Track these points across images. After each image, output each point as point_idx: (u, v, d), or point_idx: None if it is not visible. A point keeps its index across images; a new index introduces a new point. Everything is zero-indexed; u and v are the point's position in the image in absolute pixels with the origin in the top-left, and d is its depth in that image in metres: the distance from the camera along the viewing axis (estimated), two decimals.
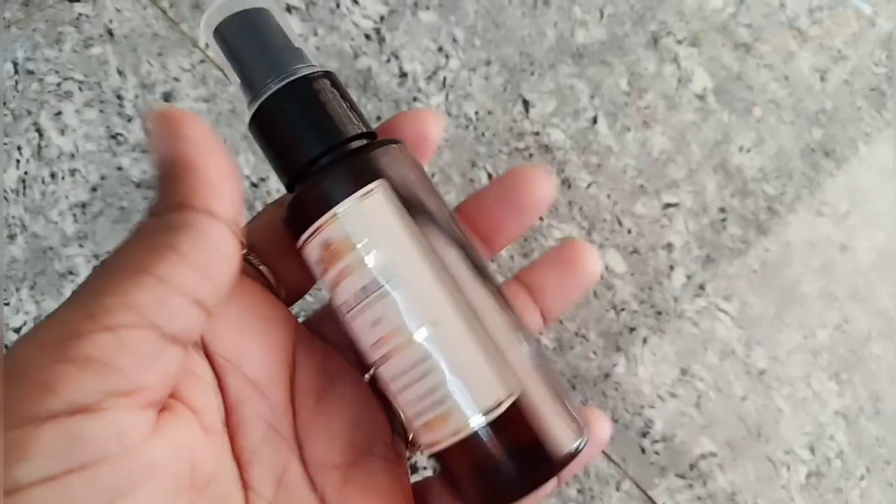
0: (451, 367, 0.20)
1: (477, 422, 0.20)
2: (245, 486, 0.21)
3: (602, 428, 0.24)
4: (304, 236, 0.22)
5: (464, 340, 0.20)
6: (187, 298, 0.17)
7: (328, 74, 0.22)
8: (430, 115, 0.25)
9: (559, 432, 0.21)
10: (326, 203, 0.21)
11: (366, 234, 0.21)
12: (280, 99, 0.21)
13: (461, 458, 0.21)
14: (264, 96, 0.22)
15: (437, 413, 0.20)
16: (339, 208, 0.21)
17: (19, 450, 0.15)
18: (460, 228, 0.23)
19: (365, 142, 0.23)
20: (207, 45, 0.52)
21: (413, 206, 0.21)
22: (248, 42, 0.22)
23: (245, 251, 0.23)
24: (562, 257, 0.26)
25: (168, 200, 0.18)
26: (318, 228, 0.21)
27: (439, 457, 0.21)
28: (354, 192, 0.21)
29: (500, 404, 0.20)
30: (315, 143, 0.22)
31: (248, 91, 0.22)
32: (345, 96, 0.23)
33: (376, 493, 0.22)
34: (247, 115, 0.22)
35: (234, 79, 0.23)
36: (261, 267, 0.23)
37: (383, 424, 0.24)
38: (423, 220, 0.21)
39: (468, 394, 0.20)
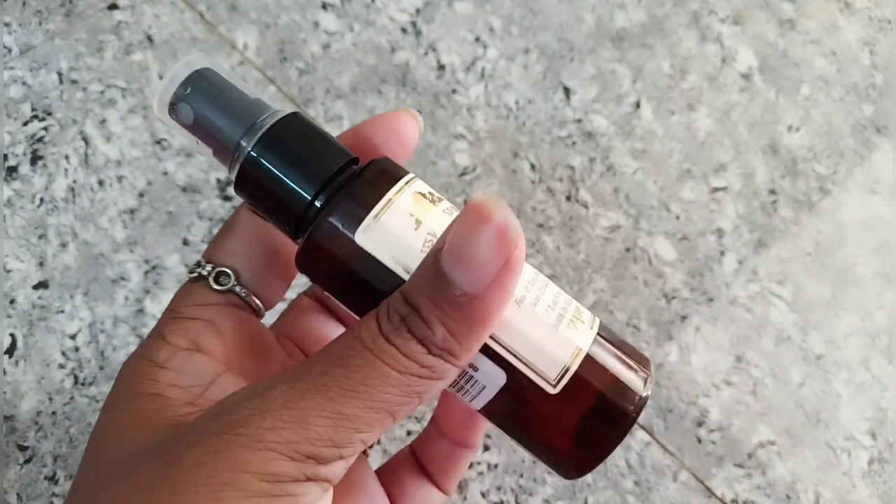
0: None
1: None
2: None
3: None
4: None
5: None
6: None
7: (294, 115, 0.22)
8: (407, 117, 0.24)
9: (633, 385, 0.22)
10: (343, 233, 0.21)
11: (393, 246, 0.21)
12: (259, 154, 0.21)
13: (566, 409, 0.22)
14: (243, 157, 0.21)
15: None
16: (359, 233, 0.21)
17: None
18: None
19: (354, 168, 0.22)
20: (246, 47, 0.52)
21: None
22: (207, 106, 0.21)
23: (234, 283, 0.23)
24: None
25: (448, 345, 0.19)
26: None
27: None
28: (367, 214, 0.21)
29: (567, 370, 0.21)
30: (310, 184, 0.21)
31: (223, 157, 0.22)
32: (316, 130, 0.22)
33: (353, 483, 0.25)
34: (230, 181, 0.23)
35: (205, 149, 0.22)
36: (251, 298, 0.24)
37: None
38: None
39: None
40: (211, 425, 0.18)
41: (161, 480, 0.18)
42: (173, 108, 0.22)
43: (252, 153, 0.21)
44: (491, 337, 0.21)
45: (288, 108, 0.22)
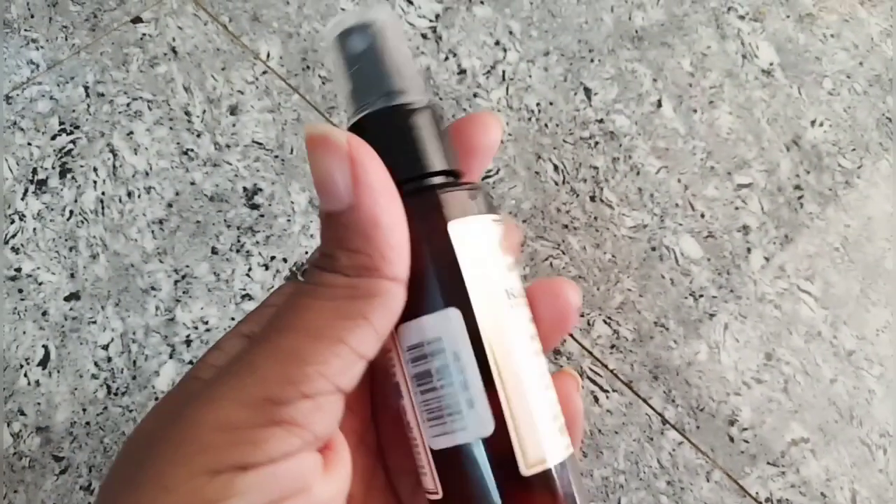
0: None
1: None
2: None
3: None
4: None
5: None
6: (365, 361, 0.19)
7: (431, 107, 0.23)
8: (490, 118, 0.24)
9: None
10: (440, 217, 0.21)
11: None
12: (376, 120, 0.22)
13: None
14: (363, 113, 0.22)
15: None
16: None
17: (230, 489, 0.17)
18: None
19: (442, 179, 0.23)
20: (269, 56, 0.52)
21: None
22: (366, 55, 0.22)
23: None
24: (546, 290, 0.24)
25: (356, 261, 0.19)
26: None
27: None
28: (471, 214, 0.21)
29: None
30: (397, 169, 0.22)
31: (351, 102, 0.23)
32: (440, 131, 0.23)
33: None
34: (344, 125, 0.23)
35: (343, 88, 0.23)
36: None
37: None
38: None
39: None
40: (179, 400, 0.19)
41: (137, 462, 0.18)
42: (348, 34, 0.23)
43: (372, 115, 0.22)
44: (502, 386, 0.21)
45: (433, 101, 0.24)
